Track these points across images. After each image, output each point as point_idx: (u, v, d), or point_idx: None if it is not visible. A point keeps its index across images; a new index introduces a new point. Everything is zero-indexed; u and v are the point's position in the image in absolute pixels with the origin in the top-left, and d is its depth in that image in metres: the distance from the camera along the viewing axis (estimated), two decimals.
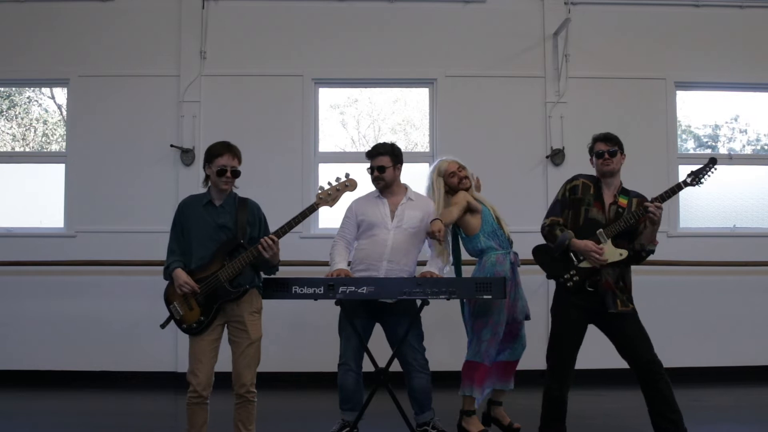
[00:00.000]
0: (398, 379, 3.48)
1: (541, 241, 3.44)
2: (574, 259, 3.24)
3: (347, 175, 3.32)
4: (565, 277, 3.27)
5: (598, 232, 3.21)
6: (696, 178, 3.23)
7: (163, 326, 3.24)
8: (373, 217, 3.58)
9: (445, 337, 4.87)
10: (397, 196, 3.63)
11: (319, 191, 3.28)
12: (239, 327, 3.14)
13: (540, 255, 3.41)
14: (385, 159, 3.58)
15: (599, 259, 3.18)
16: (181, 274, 3.08)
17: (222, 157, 3.13)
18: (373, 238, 3.54)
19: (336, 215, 5.12)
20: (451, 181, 3.74)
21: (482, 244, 3.67)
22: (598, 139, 3.38)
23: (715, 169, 3.23)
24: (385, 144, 3.65)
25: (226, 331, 3.21)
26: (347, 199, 3.46)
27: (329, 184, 3.30)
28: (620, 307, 3.20)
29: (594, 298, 3.23)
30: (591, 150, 3.41)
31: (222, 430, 3.32)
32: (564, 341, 3.28)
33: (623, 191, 3.35)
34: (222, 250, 3.11)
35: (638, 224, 3.22)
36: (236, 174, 3.17)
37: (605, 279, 3.21)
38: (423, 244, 3.63)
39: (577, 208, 3.31)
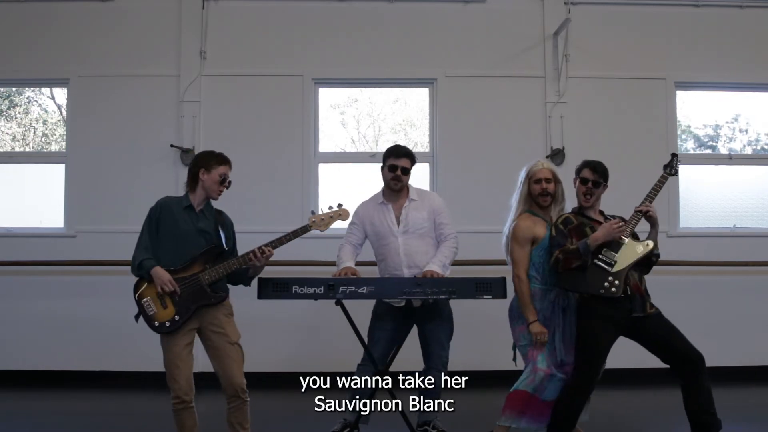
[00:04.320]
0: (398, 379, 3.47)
1: None
2: (604, 266, 3.07)
3: (340, 205, 3.38)
4: (605, 285, 3.04)
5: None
6: (673, 169, 3.31)
7: (137, 319, 3.19)
8: (379, 225, 3.62)
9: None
10: (401, 198, 3.65)
11: (312, 215, 3.34)
12: (217, 330, 3.16)
13: (568, 279, 3.13)
14: (408, 161, 3.62)
15: (623, 229, 3.09)
16: (163, 273, 3.07)
17: (223, 166, 3.24)
18: (386, 247, 3.59)
19: None
20: (533, 188, 3.40)
21: (530, 272, 3.37)
22: (586, 165, 3.29)
23: (678, 159, 3.37)
24: (405, 146, 3.71)
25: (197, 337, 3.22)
26: (337, 225, 3.45)
27: (322, 210, 3.38)
28: (649, 310, 3.12)
29: (625, 304, 3.08)
30: (578, 172, 3.32)
31: None
32: (600, 360, 3.12)
33: (601, 213, 3.35)
34: (205, 254, 3.14)
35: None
36: (230, 185, 3.28)
37: (633, 281, 3.10)
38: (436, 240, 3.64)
39: (581, 231, 3.17)
